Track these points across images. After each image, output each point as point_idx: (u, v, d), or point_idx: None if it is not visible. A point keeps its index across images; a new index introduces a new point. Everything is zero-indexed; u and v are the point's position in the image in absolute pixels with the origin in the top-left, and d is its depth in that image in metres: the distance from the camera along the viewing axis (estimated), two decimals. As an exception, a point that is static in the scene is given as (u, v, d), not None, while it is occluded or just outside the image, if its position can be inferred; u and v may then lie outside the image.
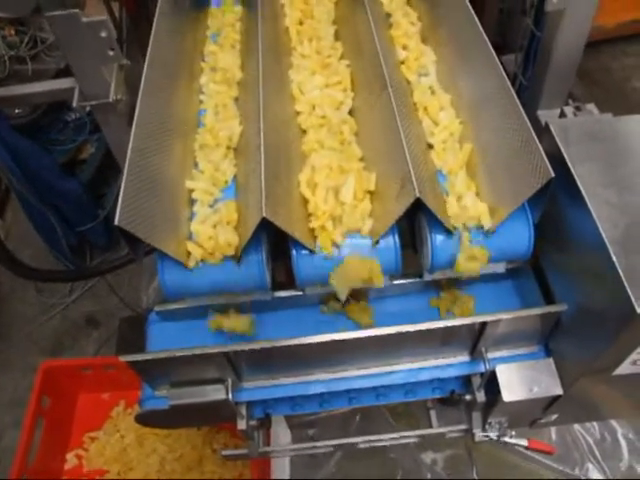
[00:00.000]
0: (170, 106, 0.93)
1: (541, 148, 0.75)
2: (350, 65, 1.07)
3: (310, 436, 1.95)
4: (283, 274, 0.99)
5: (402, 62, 1.05)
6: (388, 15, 1.16)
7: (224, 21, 1.20)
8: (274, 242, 0.87)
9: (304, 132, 0.97)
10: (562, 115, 0.94)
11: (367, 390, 0.98)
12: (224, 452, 1.00)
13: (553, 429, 1.91)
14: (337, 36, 1.16)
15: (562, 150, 0.78)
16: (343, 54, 1.10)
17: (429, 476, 1.89)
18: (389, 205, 0.79)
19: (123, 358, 0.79)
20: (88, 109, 2.07)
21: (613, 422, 1.91)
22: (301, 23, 1.18)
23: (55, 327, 2.32)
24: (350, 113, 0.99)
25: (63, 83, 0.93)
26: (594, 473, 1.86)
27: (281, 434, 1.67)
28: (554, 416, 0.98)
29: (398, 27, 1.11)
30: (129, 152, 0.79)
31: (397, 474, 1.90)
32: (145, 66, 0.88)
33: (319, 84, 1.01)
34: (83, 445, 1.58)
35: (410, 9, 1.17)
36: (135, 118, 0.82)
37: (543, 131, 0.82)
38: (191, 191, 0.88)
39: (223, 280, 0.82)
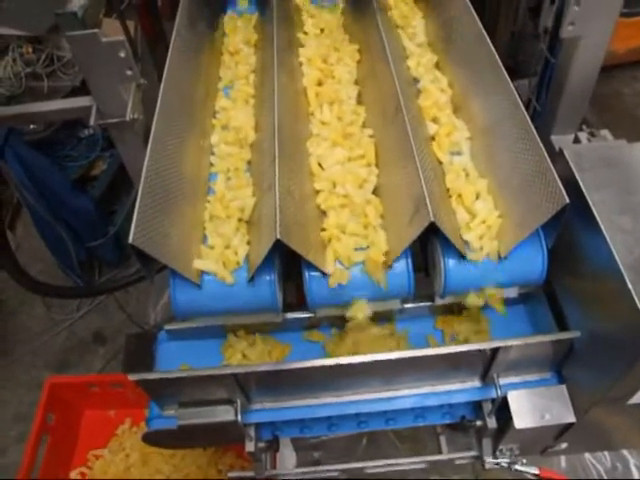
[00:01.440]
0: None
1: (555, 173, 0.75)
2: (374, 136, 0.98)
3: (316, 459, 1.93)
4: (294, 295, 0.99)
5: (432, 138, 0.95)
6: (415, 80, 1.06)
7: (237, 73, 1.13)
8: (285, 261, 0.87)
9: (323, 213, 0.88)
10: (576, 141, 0.94)
11: (376, 414, 0.96)
12: (230, 474, 0.99)
13: (563, 457, 1.88)
14: (359, 98, 1.07)
15: (576, 176, 0.77)
16: (366, 121, 1.01)
17: (436, 503, 1.86)
18: (402, 229, 0.79)
19: (132, 377, 0.78)
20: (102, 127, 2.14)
21: (625, 452, 1.88)
22: (320, 84, 1.09)
23: (62, 343, 2.31)
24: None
25: (80, 101, 0.94)
26: (605, 503, 1.82)
27: (286, 456, 1.65)
28: (565, 444, 0.96)
29: (427, 96, 1.01)
30: (144, 171, 0.79)
31: (402, 500, 1.87)
32: (160, 93, 0.89)
33: (340, 158, 0.93)
34: (87, 463, 1.57)
35: (439, 73, 1.07)
36: (151, 136, 0.83)
37: (557, 156, 0.82)
38: (204, 210, 0.89)
39: (234, 300, 0.82)
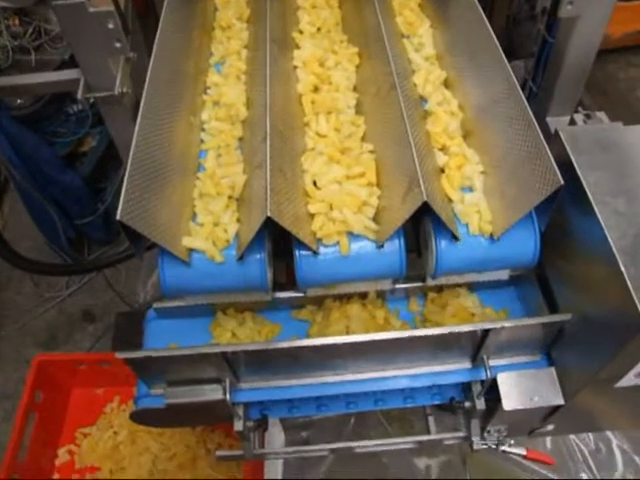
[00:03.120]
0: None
1: (551, 155, 0.74)
2: (374, 152, 0.90)
3: (304, 438, 1.94)
4: (283, 274, 0.98)
5: (442, 170, 0.87)
6: (422, 99, 0.98)
7: (229, 48, 1.09)
8: (275, 240, 0.86)
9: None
10: (572, 123, 0.93)
11: (365, 395, 0.97)
12: (219, 453, 0.99)
13: (548, 438, 1.90)
14: (358, 108, 0.99)
15: (572, 158, 0.77)
16: (365, 133, 0.94)
17: (422, 483, 1.88)
18: (395, 207, 0.78)
19: (120, 355, 0.77)
20: (91, 101, 2.10)
21: (608, 433, 1.90)
22: (316, 89, 1.01)
23: (50, 320, 2.30)
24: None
25: (68, 74, 0.91)
26: (588, 484, 1.85)
27: (275, 435, 1.66)
28: (553, 426, 0.96)
29: (436, 121, 0.92)
30: (133, 146, 0.78)
31: (389, 479, 1.89)
32: (150, 68, 0.87)
33: (338, 176, 0.85)
34: (75, 441, 1.56)
35: (449, 94, 0.98)
36: (140, 111, 0.81)
37: (552, 138, 0.81)
38: (194, 187, 0.87)
39: (223, 278, 0.81)
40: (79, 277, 2.38)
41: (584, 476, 1.86)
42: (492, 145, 0.86)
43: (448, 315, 0.90)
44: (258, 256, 0.79)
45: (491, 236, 0.80)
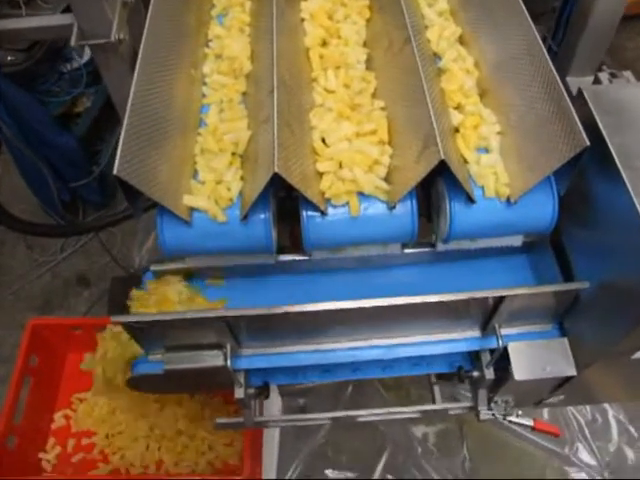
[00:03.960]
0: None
1: (575, 114, 0.70)
2: (386, 109, 0.85)
3: (301, 405, 1.94)
4: (287, 238, 0.94)
5: (456, 129, 0.83)
6: (436, 55, 0.93)
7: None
8: (278, 202, 0.82)
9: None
10: (596, 82, 0.88)
11: (373, 362, 0.93)
12: (218, 421, 0.96)
13: (546, 408, 1.90)
14: (369, 63, 0.94)
15: (596, 118, 0.72)
16: (376, 90, 0.89)
17: (420, 450, 1.88)
18: (408, 167, 0.73)
19: (115, 319, 0.74)
20: (85, 60, 2.03)
21: (605, 404, 1.90)
22: (324, 43, 0.96)
23: (45, 285, 2.27)
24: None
25: (61, 19, 0.85)
26: (583, 453, 1.86)
27: (272, 402, 1.65)
28: (561, 397, 0.94)
29: (451, 79, 0.87)
30: (131, 97, 0.73)
31: (387, 447, 1.89)
32: (148, 15, 0.81)
33: (348, 134, 0.81)
34: (71, 406, 1.54)
35: (464, 51, 0.93)
36: (139, 60, 0.76)
37: (574, 99, 0.76)
38: (195, 144, 0.83)
39: (225, 239, 0.77)
40: (73, 241, 2.34)
41: (580, 446, 1.87)
42: (510, 105, 0.82)
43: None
44: (263, 216, 0.75)
45: (508, 199, 0.76)
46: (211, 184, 0.77)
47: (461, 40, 0.95)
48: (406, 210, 0.76)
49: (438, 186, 0.79)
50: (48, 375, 1.55)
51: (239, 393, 0.87)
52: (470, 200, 0.75)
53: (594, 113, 0.73)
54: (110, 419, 1.50)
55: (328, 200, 0.76)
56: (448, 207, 0.76)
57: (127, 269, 2.12)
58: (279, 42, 0.85)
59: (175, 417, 1.46)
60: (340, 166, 0.77)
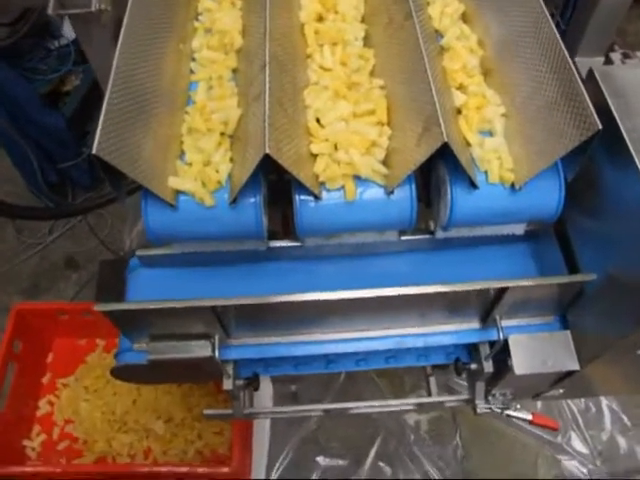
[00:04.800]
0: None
1: (587, 95, 0.66)
2: (385, 87, 0.81)
3: (292, 391, 1.91)
4: (278, 223, 0.90)
5: (459, 111, 0.78)
6: (438, 33, 0.88)
7: None
8: (269, 186, 0.78)
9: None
10: (608, 62, 0.84)
11: (375, 352, 0.90)
12: (206, 412, 0.93)
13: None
14: (367, 40, 0.89)
15: (608, 100, 0.68)
16: (375, 68, 0.84)
17: (412, 438, 1.87)
18: (408, 149, 0.69)
19: (98, 307, 0.70)
20: (74, 37, 1.96)
21: (600, 394, 1.89)
22: (321, 18, 0.91)
23: (33, 268, 2.23)
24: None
25: (38, -13, 0.81)
26: (576, 441, 1.86)
27: (263, 388, 1.61)
28: (561, 390, 0.91)
29: (454, 57, 0.83)
30: (113, 69, 0.68)
31: (379, 434, 1.87)
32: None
33: (344, 113, 0.76)
34: (55, 392, 1.51)
35: (467, 28, 0.88)
36: (122, 32, 0.71)
37: (584, 80, 0.72)
38: (182, 123, 0.78)
39: (214, 223, 0.72)
40: (62, 223, 2.29)
41: (573, 434, 1.86)
42: (515, 85, 0.77)
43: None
44: (253, 200, 0.71)
45: (512, 185, 0.72)
46: (198, 165, 0.72)
47: (464, 17, 0.90)
48: (405, 195, 0.72)
49: (439, 170, 0.75)
50: (33, 361, 1.52)
51: (227, 384, 0.84)
52: (472, 185, 0.71)
53: (605, 95, 0.68)
54: (95, 405, 1.46)
55: (322, 184, 0.71)
56: (449, 192, 0.72)
57: (116, 252, 2.08)
58: (272, 16, 0.80)
59: (164, 405, 1.43)
60: (335, 148, 0.73)
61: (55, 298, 2.13)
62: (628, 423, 1.88)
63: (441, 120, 0.64)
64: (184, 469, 1.24)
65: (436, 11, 0.88)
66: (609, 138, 0.67)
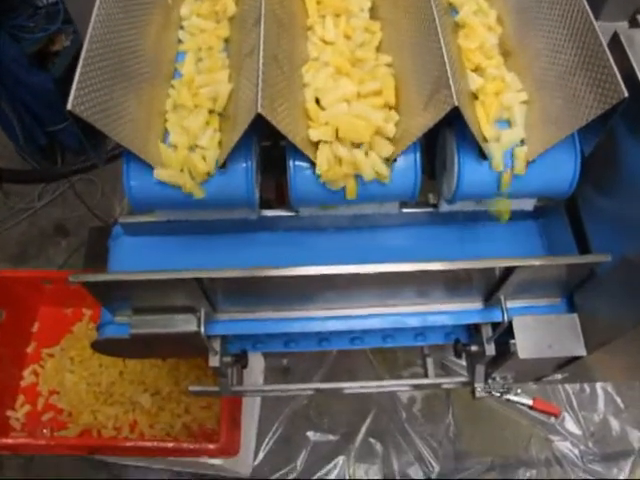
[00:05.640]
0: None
1: (612, 60, 0.60)
2: (392, 65, 0.73)
3: (284, 366, 1.89)
4: (272, 191, 0.85)
5: (475, 96, 0.70)
6: (452, 7, 0.78)
7: None
8: (263, 148, 0.73)
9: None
10: (634, 24, 0.78)
11: (372, 331, 0.85)
12: (192, 388, 0.88)
13: (533, 378, 1.87)
14: (373, 12, 0.80)
15: (634, 67, 0.62)
16: (382, 43, 0.76)
17: (404, 415, 1.85)
18: (413, 116, 0.63)
19: (73, 279, 0.65)
20: (62, -6, 1.88)
21: (596, 375, 1.88)
22: None
23: (22, 233, 2.19)
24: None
25: None
26: (569, 422, 1.85)
27: (254, 362, 1.59)
28: (564, 375, 0.87)
29: (470, 35, 0.74)
30: (93, 18, 0.62)
31: (371, 410, 1.85)
32: None
33: (347, 93, 0.68)
34: (40, 362, 1.47)
35: (485, 3, 0.78)
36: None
37: (608, 45, 0.66)
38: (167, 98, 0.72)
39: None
40: (52, 189, 2.23)
41: (566, 415, 1.85)
42: (535, 50, 0.71)
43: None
44: (244, 164, 0.65)
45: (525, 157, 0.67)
46: (183, 151, 0.65)
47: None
48: (408, 164, 0.66)
49: (446, 138, 0.69)
50: (18, 330, 1.47)
51: (214, 361, 0.79)
52: (482, 155, 0.66)
53: (632, 60, 0.62)
54: (81, 377, 1.43)
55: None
56: (456, 163, 0.66)
57: (106, 219, 2.02)
58: (268, 45, 0.68)
59: (151, 377, 1.39)
60: (337, 134, 0.65)
61: (44, 264, 2.09)
62: (621, 405, 1.89)
63: (451, 81, 0.58)
64: (169, 445, 1.20)
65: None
66: (633, 109, 0.61)
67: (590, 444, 1.83)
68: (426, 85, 0.62)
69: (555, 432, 1.84)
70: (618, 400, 1.90)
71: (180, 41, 0.78)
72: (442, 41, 0.63)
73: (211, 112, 0.69)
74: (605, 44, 0.61)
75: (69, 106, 0.56)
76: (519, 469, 1.81)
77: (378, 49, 0.76)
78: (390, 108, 0.69)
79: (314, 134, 0.65)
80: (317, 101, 0.68)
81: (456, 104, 0.57)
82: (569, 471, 1.80)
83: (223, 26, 0.77)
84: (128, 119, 0.63)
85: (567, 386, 1.91)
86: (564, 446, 1.83)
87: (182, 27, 0.79)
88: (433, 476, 1.79)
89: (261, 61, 0.59)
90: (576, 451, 1.82)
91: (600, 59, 0.61)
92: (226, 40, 0.77)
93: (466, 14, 0.76)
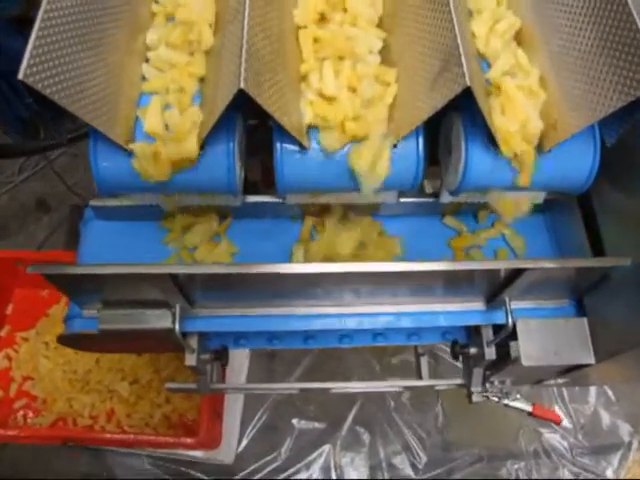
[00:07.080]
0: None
1: (644, 38, 0.53)
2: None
3: (269, 353, 1.83)
4: (258, 172, 0.78)
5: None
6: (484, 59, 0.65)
7: None
8: (249, 128, 0.65)
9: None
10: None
11: (361, 330, 0.79)
12: (168, 385, 0.81)
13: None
14: (385, 53, 0.66)
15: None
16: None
17: (392, 405, 1.81)
18: (419, 95, 0.56)
19: (31, 270, 0.58)
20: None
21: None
22: (323, 19, 0.67)
23: (2, 208, 2.10)
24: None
25: None
26: (560, 415, 1.81)
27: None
28: (566, 380, 0.82)
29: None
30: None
31: (358, 399, 1.81)
32: None
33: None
34: (14, 346, 1.40)
35: (523, 55, 0.65)
36: None
37: None
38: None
39: (177, 173, 0.60)
40: (32, 163, 2.15)
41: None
42: (553, 27, 0.64)
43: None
44: (225, 146, 0.58)
45: (538, 146, 0.60)
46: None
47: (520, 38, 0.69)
48: (410, 150, 0.59)
49: (453, 122, 0.62)
50: (-10, 312, 1.40)
51: (190, 360, 0.72)
52: (492, 143, 0.59)
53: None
54: (56, 363, 1.36)
55: (311, 128, 0.58)
56: (463, 150, 0.59)
57: (86, 196, 1.94)
58: (254, 10, 0.56)
59: (129, 365, 1.33)
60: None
61: (25, 240, 2.02)
62: (612, 398, 1.85)
63: (463, 59, 0.51)
64: (146, 438, 1.14)
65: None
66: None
67: (580, 437, 1.81)
68: (433, 62, 0.55)
69: (545, 424, 1.80)
70: (609, 393, 1.87)
71: (144, 78, 0.63)
72: (453, 12, 0.55)
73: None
74: (637, 19, 0.54)
75: (20, 75, 0.49)
76: (507, 460, 1.78)
77: (392, 107, 0.62)
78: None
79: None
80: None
81: (468, 84, 0.49)
82: (558, 463, 1.77)
83: (198, 61, 0.63)
84: (89, 94, 0.55)
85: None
86: (553, 438, 1.80)
87: (147, 59, 0.65)
88: (420, 466, 1.76)
89: (245, 28, 0.52)
90: (565, 443, 1.80)
91: (633, 38, 0.53)
92: (201, 80, 0.63)
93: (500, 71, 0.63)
